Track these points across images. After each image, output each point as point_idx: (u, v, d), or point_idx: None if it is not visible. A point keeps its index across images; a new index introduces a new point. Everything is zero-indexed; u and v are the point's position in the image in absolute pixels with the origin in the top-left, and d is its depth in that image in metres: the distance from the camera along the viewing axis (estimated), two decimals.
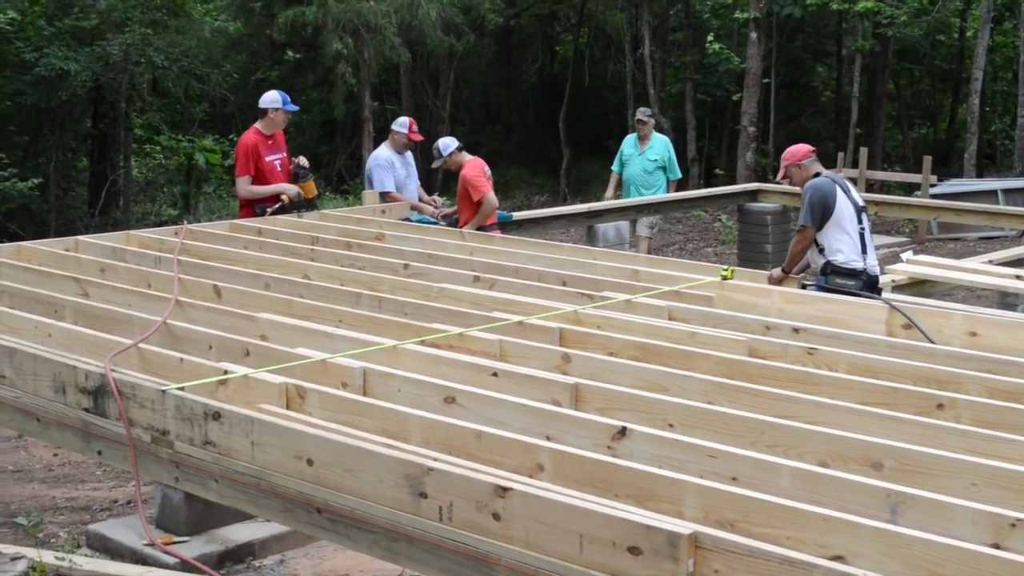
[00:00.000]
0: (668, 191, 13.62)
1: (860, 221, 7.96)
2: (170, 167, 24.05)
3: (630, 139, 13.76)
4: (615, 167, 13.81)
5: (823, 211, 7.86)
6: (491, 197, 10.05)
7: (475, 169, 10.06)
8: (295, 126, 27.37)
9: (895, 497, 3.47)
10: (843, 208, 7.89)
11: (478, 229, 9.66)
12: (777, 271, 7.86)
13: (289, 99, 10.01)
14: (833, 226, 7.88)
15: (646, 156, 13.47)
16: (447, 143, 10.32)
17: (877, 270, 8.05)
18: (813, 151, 8.27)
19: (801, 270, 8.07)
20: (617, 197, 13.64)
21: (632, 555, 3.22)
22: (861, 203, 8.05)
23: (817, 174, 8.08)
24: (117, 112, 22.30)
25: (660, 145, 13.59)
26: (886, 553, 3.14)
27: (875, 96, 27.14)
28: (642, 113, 13.80)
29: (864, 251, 7.89)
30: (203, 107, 26.24)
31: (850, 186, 8.11)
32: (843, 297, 6.76)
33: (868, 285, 7.77)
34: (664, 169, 13.53)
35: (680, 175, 14.03)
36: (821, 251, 7.91)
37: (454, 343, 5.40)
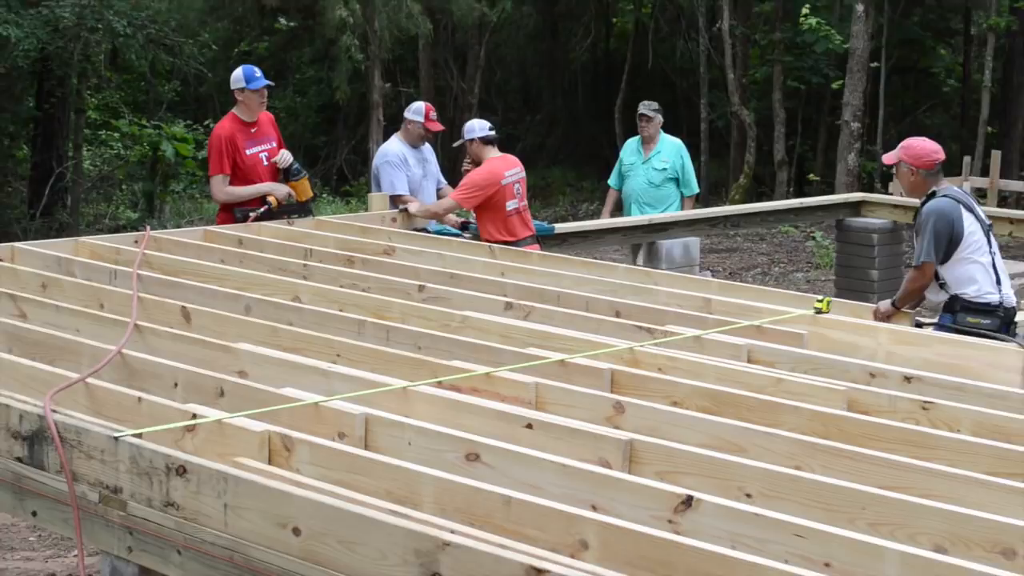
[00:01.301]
0: (683, 209, 12.91)
1: (990, 244, 7.93)
2: (131, 159, 24.19)
3: (631, 144, 13.06)
4: (612, 181, 13.21)
5: (948, 242, 7.82)
6: (447, 204, 10.29)
7: (484, 174, 10.11)
8: (287, 111, 27.56)
9: None
10: (972, 233, 7.86)
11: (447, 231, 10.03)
12: (886, 304, 7.81)
13: (258, 73, 10.00)
14: (962, 256, 7.84)
15: (651, 164, 12.71)
16: (473, 127, 10.42)
17: (1013, 301, 8.01)
18: (941, 160, 8.21)
19: (915, 305, 8.03)
20: None
21: None
22: (988, 222, 8.03)
23: (933, 193, 8.03)
24: (67, 90, 22.45)
25: (671, 150, 12.81)
26: None
27: (1011, 86, 27.04)
28: (645, 107, 12.89)
29: (999, 280, 7.86)
30: (173, 86, 26.42)
31: (974, 202, 8.08)
32: (966, 339, 6.72)
33: (1006, 322, 7.74)
34: (676, 181, 12.76)
35: (698, 189, 13.25)
36: (943, 286, 7.87)
37: (479, 386, 5.39)
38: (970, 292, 7.80)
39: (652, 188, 12.67)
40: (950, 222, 7.85)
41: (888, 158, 8.30)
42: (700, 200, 22.47)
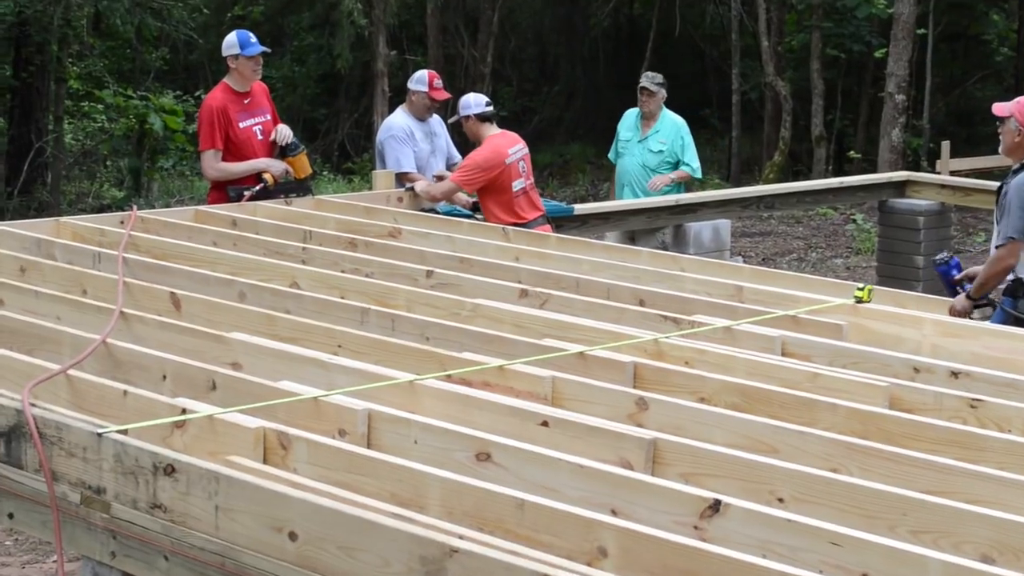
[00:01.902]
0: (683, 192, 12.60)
1: None
2: (116, 133, 24.18)
3: (630, 117, 12.74)
4: (612, 156, 13.03)
5: None
6: (448, 187, 10.26)
7: (487, 154, 10.12)
8: (283, 81, 27.57)
9: None
10: None
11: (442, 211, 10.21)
12: (961, 300, 7.79)
13: (253, 39, 10.01)
14: None
15: (648, 144, 12.35)
16: (468, 102, 10.46)
17: None
18: None
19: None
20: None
21: None
22: None
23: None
24: (46, 57, 22.43)
25: (670, 128, 12.43)
26: None
27: None
28: (648, 80, 12.57)
29: None
30: (161, 53, 26.41)
31: None
32: (1020, 331, 6.72)
33: None
34: (674, 165, 12.41)
35: (699, 173, 12.92)
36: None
37: (491, 380, 5.41)
38: (997, 282, 7.79)
39: (647, 171, 12.32)
40: None
41: (999, 108, 8.21)
42: (731, 179, 22.42)
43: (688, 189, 12.94)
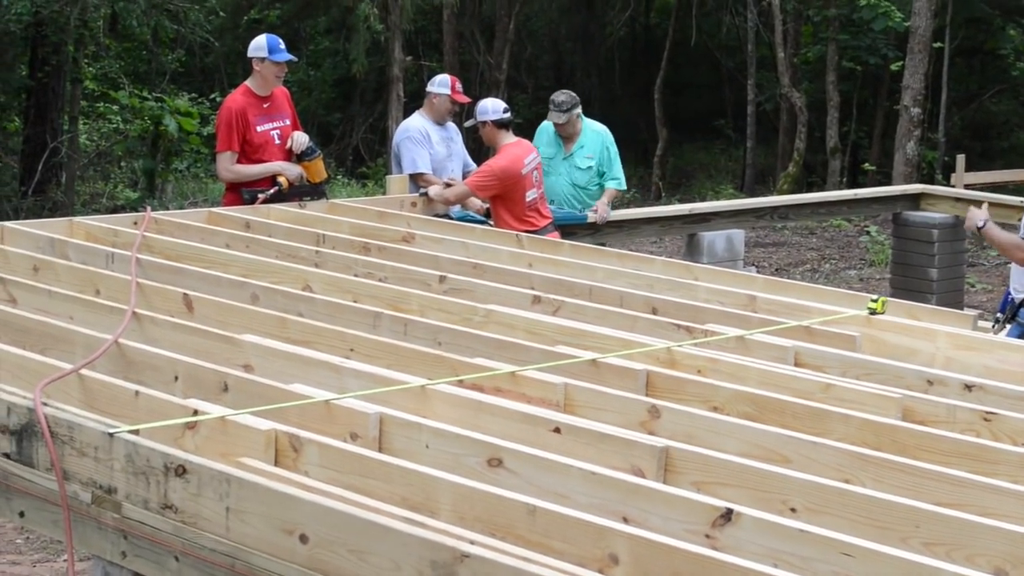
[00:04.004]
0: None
1: None
2: (131, 134, 24.22)
3: (547, 131, 11.68)
4: None
5: None
6: (462, 191, 10.27)
7: (505, 164, 10.13)
8: (299, 85, 27.61)
9: None
10: None
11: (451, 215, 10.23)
12: (976, 210, 7.80)
13: (282, 45, 10.04)
14: None
15: (574, 161, 11.55)
16: (486, 108, 10.45)
17: None
18: None
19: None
20: None
21: None
22: None
23: None
24: (62, 58, 22.49)
25: (595, 141, 11.65)
26: None
27: None
28: (555, 109, 11.46)
29: None
30: (177, 55, 26.45)
31: None
32: None
33: None
34: (603, 176, 11.69)
35: (625, 184, 12.16)
36: None
37: (503, 386, 5.40)
38: None
39: (576, 190, 11.54)
40: None
41: None
42: (745, 189, 22.40)
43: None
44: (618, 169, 11.74)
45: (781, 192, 23.95)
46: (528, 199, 10.19)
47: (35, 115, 22.83)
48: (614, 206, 12.07)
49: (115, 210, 19.70)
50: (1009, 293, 8.39)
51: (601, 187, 11.66)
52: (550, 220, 10.46)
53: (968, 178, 18.81)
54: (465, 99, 10.96)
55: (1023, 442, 5.11)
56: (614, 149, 11.75)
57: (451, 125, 11.07)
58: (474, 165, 11.14)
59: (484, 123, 10.34)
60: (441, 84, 10.86)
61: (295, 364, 5.57)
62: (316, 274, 7.35)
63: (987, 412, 5.29)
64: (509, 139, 10.35)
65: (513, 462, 4.53)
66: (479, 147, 10.59)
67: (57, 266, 7.32)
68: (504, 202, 10.14)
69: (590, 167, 11.57)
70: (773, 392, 5.47)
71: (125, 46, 26.23)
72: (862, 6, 25.41)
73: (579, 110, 11.53)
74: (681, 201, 22.11)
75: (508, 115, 10.44)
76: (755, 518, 4.06)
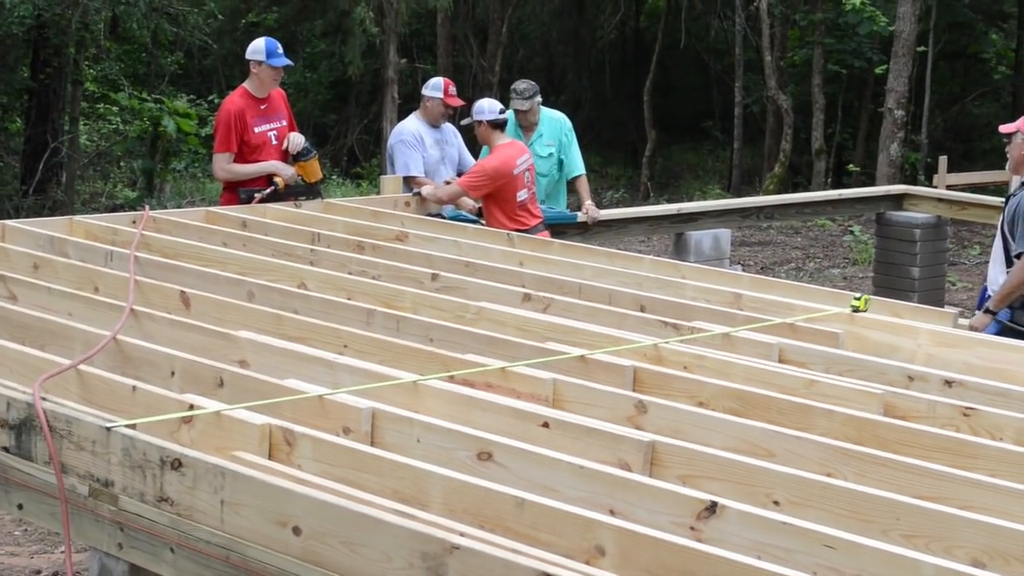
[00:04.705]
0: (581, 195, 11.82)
1: None
2: (130, 135, 24.20)
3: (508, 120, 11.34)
4: None
5: None
6: (454, 190, 10.28)
7: (497, 164, 10.13)
8: (295, 87, 27.58)
9: None
10: None
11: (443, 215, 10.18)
12: (980, 317, 7.79)
13: (280, 49, 10.04)
14: None
15: (535, 150, 11.34)
16: (483, 108, 10.43)
17: None
18: None
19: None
20: None
21: None
22: None
23: None
24: (64, 60, 22.46)
25: (552, 128, 11.62)
26: None
27: None
28: (518, 97, 11.41)
29: None
30: (176, 58, 26.41)
31: None
32: (1012, 341, 6.71)
33: None
34: (562, 163, 11.66)
35: (583, 169, 11.94)
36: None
37: (493, 381, 5.40)
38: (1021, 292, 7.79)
39: (539, 178, 11.18)
40: None
41: (1007, 127, 8.26)
42: (732, 190, 22.38)
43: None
44: (577, 154, 11.74)
45: (767, 192, 23.96)
46: (519, 199, 10.19)
47: (36, 116, 22.80)
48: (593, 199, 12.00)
49: (114, 209, 19.67)
50: (986, 289, 8.40)
51: (562, 174, 11.65)
52: (541, 219, 10.46)
53: (950, 179, 18.81)
54: (458, 102, 10.94)
55: (1001, 437, 5.12)
56: (572, 135, 11.76)
57: (447, 127, 11.06)
58: (473, 163, 11.12)
59: (480, 122, 10.34)
60: (434, 88, 10.86)
61: (290, 360, 5.57)
62: (311, 272, 7.35)
63: (967, 408, 5.29)
64: (503, 140, 10.35)
65: (502, 456, 4.54)
66: (475, 145, 10.51)
67: (57, 264, 7.32)
68: (496, 201, 10.15)
69: (551, 154, 11.54)
70: (758, 388, 5.48)
71: (125, 48, 26.19)
72: (848, 11, 25.40)
73: (539, 98, 11.54)
74: (669, 201, 22.11)
75: (504, 116, 10.44)
76: (739, 511, 4.06)
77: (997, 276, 8.06)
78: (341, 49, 25.90)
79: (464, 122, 10.89)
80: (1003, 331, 7.65)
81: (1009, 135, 8.18)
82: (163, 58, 25.90)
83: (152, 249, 7.81)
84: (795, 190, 24.00)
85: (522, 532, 4.01)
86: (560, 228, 11.02)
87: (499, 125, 10.34)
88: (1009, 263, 7.96)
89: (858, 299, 6.96)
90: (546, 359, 5.68)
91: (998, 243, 8.18)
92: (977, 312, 8.02)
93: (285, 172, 9.86)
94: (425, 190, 10.28)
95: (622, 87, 32.03)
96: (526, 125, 11.48)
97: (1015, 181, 8.71)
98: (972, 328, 7.52)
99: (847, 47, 27.13)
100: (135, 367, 5.50)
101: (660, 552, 3.76)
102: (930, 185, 19.34)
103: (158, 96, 23.69)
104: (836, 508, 4.23)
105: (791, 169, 26.86)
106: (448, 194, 10.30)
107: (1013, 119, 8.70)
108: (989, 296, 8.02)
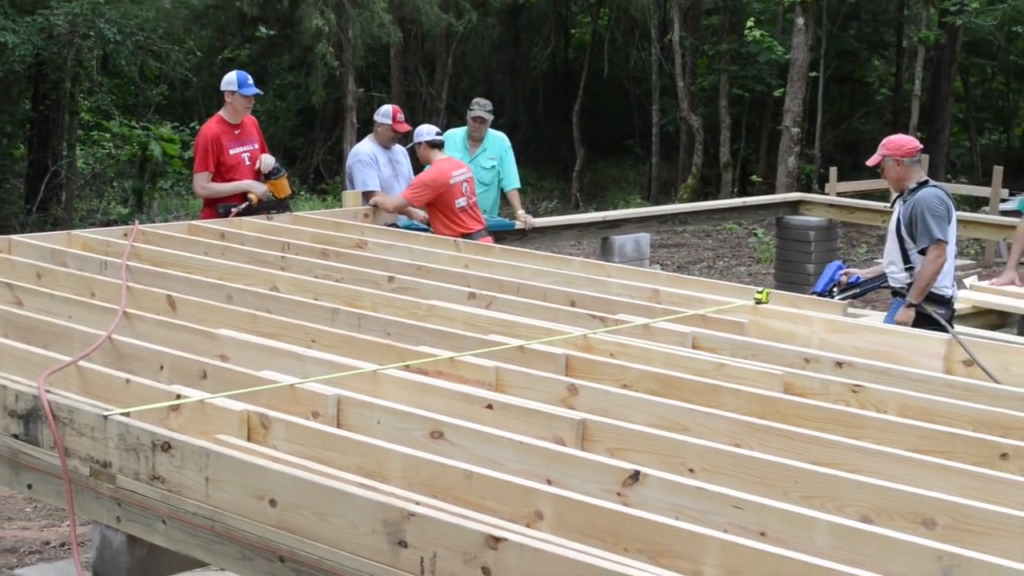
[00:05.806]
0: (513, 205, 11.91)
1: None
2: (121, 158, 24.07)
3: (457, 137, 11.70)
4: None
5: (948, 224, 7.85)
6: (398, 201, 10.27)
7: (433, 174, 10.14)
8: (267, 115, 27.47)
9: (948, 559, 3.48)
10: (954, 227, 7.93)
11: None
12: (904, 312, 7.83)
13: (250, 80, 10.02)
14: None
15: (480, 162, 11.49)
16: (421, 132, 10.50)
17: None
18: (920, 148, 8.22)
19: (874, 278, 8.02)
20: None
21: None
22: None
23: (925, 182, 8.06)
24: (61, 93, 22.33)
25: (496, 144, 11.68)
26: None
27: (939, 95, 27.19)
28: (481, 108, 11.63)
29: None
30: (161, 90, 26.29)
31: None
32: (893, 327, 6.77)
33: (952, 316, 7.80)
34: (500, 176, 11.66)
35: (519, 183, 11.90)
36: (910, 269, 7.90)
37: (443, 369, 5.41)
38: (935, 281, 7.83)
39: (481, 186, 11.23)
40: (948, 208, 7.91)
41: (872, 160, 8.27)
42: (651, 199, 22.37)
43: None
44: (513, 169, 11.75)
45: (681, 201, 24.02)
46: (458, 205, 10.19)
47: (38, 143, 22.69)
48: (527, 210, 12.05)
49: (108, 224, 19.52)
50: (829, 271, 8.45)
51: (497, 183, 11.65)
52: (483, 226, 10.46)
53: (840, 187, 18.93)
54: (405, 127, 10.92)
55: (886, 410, 5.16)
56: (511, 152, 11.78)
57: (397, 147, 11.05)
58: None
59: (420, 143, 10.38)
60: (384, 115, 10.85)
61: (265, 354, 5.55)
62: (282, 276, 7.32)
63: (855, 385, 5.33)
64: (440, 156, 10.38)
65: (453, 434, 4.54)
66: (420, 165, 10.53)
67: (57, 273, 7.27)
68: (438, 208, 10.16)
69: (493, 166, 11.59)
70: (674, 371, 5.50)
71: (115, 82, 26.05)
72: (749, 41, 25.52)
73: (491, 118, 11.64)
74: (596, 209, 22.11)
75: (440, 137, 10.51)
76: (659, 478, 4.08)
77: (896, 273, 8.10)
78: (306, 80, 25.79)
79: (409, 146, 10.88)
80: (917, 319, 7.70)
81: (878, 165, 8.23)
82: (149, 90, 25.77)
83: (142, 259, 7.77)
84: (706, 198, 24.08)
85: (471, 500, 4.02)
86: (500, 234, 11.03)
87: (436, 145, 10.39)
88: (906, 260, 7.99)
89: (760, 292, 6.98)
90: (489, 349, 5.68)
91: (892, 244, 8.18)
92: (814, 293, 8.06)
93: (258, 189, 9.83)
94: (375, 199, 10.28)
95: (554, 111, 32.00)
96: (477, 137, 11.55)
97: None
98: (899, 323, 7.54)
99: (749, 73, 27.27)
100: (128, 362, 5.47)
101: (591, 515, 3.78)
102: (822, 192, 19.44)
103: (145, 124, 23.58)
104: (743, 474, 4.26)
105: (702, 180, 26.94)
106: (394, 204, 10.29)
107: (894, 133, 8.75)
108: (833, 281, 8.08)
